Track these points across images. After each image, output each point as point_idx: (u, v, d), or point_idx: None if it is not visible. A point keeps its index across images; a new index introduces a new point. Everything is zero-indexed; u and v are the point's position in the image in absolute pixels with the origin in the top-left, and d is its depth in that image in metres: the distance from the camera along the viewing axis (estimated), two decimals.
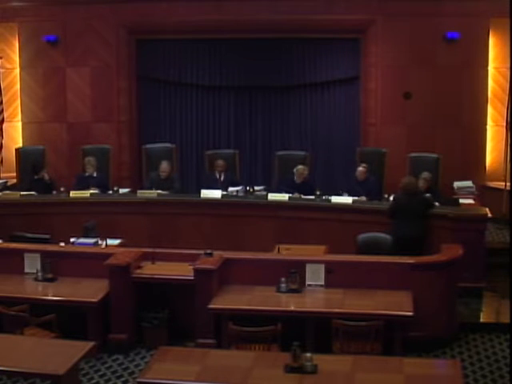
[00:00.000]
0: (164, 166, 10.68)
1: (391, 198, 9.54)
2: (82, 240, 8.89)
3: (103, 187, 10.63)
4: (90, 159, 10.88)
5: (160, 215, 10.04)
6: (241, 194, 10.20)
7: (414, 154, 10.94)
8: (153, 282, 7.92)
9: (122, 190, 10.60)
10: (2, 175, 11.97)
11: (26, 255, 8.23)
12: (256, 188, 10.39)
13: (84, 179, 10.75)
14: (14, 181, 11.65)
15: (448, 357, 7.62)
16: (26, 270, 8.21)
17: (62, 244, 8.68)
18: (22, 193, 10.46)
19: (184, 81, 12.56)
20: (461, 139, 11.62)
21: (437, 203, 9.58)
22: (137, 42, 12.36)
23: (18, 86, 12.46)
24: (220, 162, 10.78)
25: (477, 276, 8.86)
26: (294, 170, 10.40)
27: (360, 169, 10.38)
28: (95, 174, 10.81)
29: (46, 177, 10.74)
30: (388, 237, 8.59)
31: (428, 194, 9.52)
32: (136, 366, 7.55)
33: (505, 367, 7.29)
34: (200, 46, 12.38)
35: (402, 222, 8.97)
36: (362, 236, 8.69)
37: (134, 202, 10.18)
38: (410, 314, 7.12)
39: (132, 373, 7.40)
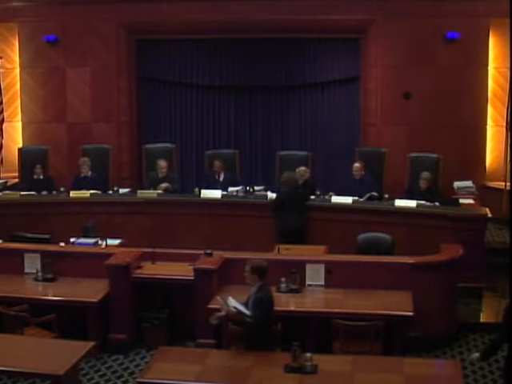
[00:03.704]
0: (161, 163, 10.68)
1: (274, 195, 9.87)
2: (81, 240, 8.88)
3: (98, 187, 10.58)
4: (85, 159, 10.87)
5: (160, 215, 10.04)
6: (241, 194, 10.20)
7: (413, 154, 10.93)
8: (153, 282, 7.92)
9: (121, 190, 10.59)
10: (2, 175, 11.98)
11: (26, 255, 8.23)
12: (256, 188, 10.38)
13: (80, 180, 10.74)
14: (15, 181, 11.65)
15: (448, 357, 7.62)
16: (26, 270, 8.21)
17: (62, 244, 8.69)
18: (21, 193, 10.46)
19: (184, 81, 12.56)
20: (461, 139, 11.61)
21: (437, 203, 9.60)
22: (137, 42, 12.36)
23: (17, 86, 12.46)
24: (217, 163, 10.76)
25: (477, 276, 8.86)
26: (296, 171, 10.37)
27: (356, 165, 10.32)
28: (89, 174, 10.81)
29: (39, 172, 10.71)
30: (388, 237, 8.58)
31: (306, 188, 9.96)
32: (136, 366, 7.56)
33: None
34: (200, 46, 12.38)
35: (285, 214, 9.49)
36: (362, 236, 8.69)
37: (134, 202, 10.18)
38: (410, 314, 7.12)
39: (132, 373, 7.41)
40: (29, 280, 8.12)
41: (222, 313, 6.45)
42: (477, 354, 6.21)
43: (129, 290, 7.86)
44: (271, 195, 10.07)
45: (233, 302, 6.38)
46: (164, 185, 10.54)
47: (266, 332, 6.41)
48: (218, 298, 6.56)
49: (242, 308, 6.35)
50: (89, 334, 7.53)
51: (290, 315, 7.34)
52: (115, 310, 7.80)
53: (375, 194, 9.96)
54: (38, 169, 10.77)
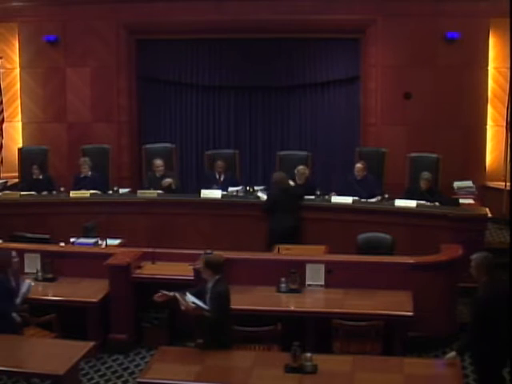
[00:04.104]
0: (157, 162, 10.68)
1: (265, 196, 9.86)
2: (82, 240, 8.89)
3: (98, 187, 10.57)
4: (85, 159, 10.86)
5: (160, 215, 10.03)
6: (241, 194, 10.20)
7: (413, 154, 10.93)
8: (153, 282, 7.92)
9: (121, 190, 10.59)
10: (2, 175, 11.98)
11: (26, 255, 8.23)
12: (256, 188, 10.38)
13: (79, 180, 10.74)
14: (15, 181, 11.65)
15: None
16: (26, 270, 8.21)
17: (62, 244, 8.69)
18: (21, 193, 10.46)
19: (184, 81, 12.56)
20: (461, 139, 11.62)
21: (437, 203, 9.60)
22: (137, 42, 12.36)
23: (17, 86, 12.46)
24: (220, 163, 10.76)
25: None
26: (295, 170, 10.38)
27: (358, 165, 10.33)
28: (89, 174, 10.80)
29: (36, 172, 10.72)
30: (388, 236, 8.59)
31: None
32: (136, 365, 7.56)
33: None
34: (200, 46, 12.38)
35: (278, 215, 9.47)
36: (362, 236, 8.68)
37: (134, 202, 10.18)
38: (410, 314, 7.12)
39: (132, 373, 7.41)
40: (29, 280, 8.11)
41: (182, 307, 6.44)
42: (453, 353, 6.18)
43: (129, 290, 7.86)
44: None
45: (191, 298, 6.40)
46: (167, 180, 10.51)
47: (226, 326, 6.43)
48: (177, 294, 6.55)
49: (200, 303, 6.38)
50: (89, 334, 7.53)
51: (290, 315, 7.35)
52: (115, 310, 7.80)
53: (378, 193, 9.98)
54: (35, 169, 10.76)
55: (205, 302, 6.41)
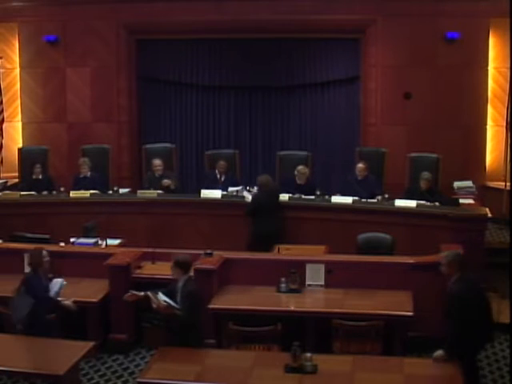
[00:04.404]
0: (156, 162, 10.68)
1: (251, 197, 9.79)
2: (82, 240, 8.89)
3: (98, 187, 10.57)
4: (85, 160, 10.86)
5: (160, 215, 10.03)
6: (241, 194, 10.20)
7: (413, 154, 10.93)
8: (153, 282, 7.90)
9: (121, 190, 10.59)
10: (2, 175, 11.98)
11: (26, 255, 8.22)
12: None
13: (79, 180, 10.73)
14: (15, 181, 11.65)
15: None
16: (26, 270, 8.19)
17: (62, 244, 8.69)
18: (21, 193, 10.45)
19: (184, 81, 12.57)
20: (461, 139, 11.62)
21: (437, 203, 9.60)
22: (137, 42, 12.37)
23: (17, 86, 12.47)
24: (222, 163, 10.75)
25: (477, 276, 8.84)
26: (296, 170, 10.37)
27: (360, 165, 10.33)
28: (89, 174, 10.80)
29: (38, 171, 10.71)
30: (388, 236, 8.59)
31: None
32: (136, 365, 7.56)
33: (505, 367, 7.30)
34: (200, 46, 12.38)
35: (263, 218, 9.40)
36: (362, 236, 8.69)
37: (134, 202, 10.18)
38: (410, 314, 7.12)
39: (132, 373, 7.41)
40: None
41: (153, 305, 6.55)
42: (440, 351, 6.18)
43: (129, 290, 7.84)
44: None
45: (163, 297, 6.49)
46: (166, 181, 10.51)
47: (196, 325, 6.48)
48: (149, 293, 6.63)
49: (171, 302, 6.45)
50: (89, 334, 7.53)
51: (290, 315, 7.34)
52: (115, 310, 7.80)
53: (378, 193, 9.99)
54: (38, 168, 10.77)
55: (176, 302, 6.50)
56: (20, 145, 12.29)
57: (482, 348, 6.71)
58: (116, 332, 7.84)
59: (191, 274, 6.71)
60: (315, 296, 7.68)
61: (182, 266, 6.63)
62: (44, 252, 7.07)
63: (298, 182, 10.31)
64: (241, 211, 9.92)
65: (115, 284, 7.80)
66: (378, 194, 9.96)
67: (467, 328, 6.10)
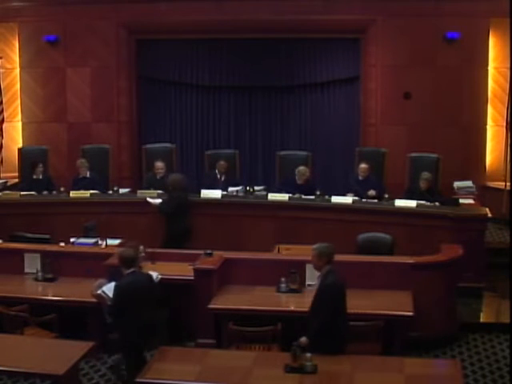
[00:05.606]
0: (158, 164, 10.67)
1: (155, 200, 9.81)
2: (82, 240, 8.88)
3: (98, 187, 10.56)
4: (83, 161, 10.86)
5: (160, 215, 10.02)
6: (241, 194, 10.20)
7: (414, 154, 10.93)
8: None
9: (121, 190, 10.58)
10: (2, 175, 11.98)
11: (26, 255, 8.23)
12: (256, 188, 10.37)
13: (78, 181, 10.73)
14: (15, 181, 11.65)
15: (448, 357, 7.62)
16: (26, 269, 8.21)
17: (62, 244, 8.68)
18: (21, 193, 10.45)
19: (184, 81, 12.57)
20: (461, 139, 11.62)
21: (437, 203, 9.60)
22: (137, 42, 12.37)
23: (17, 86, 12.47)
24: (223, 163, 10.74)
25: (477, 276, 8.85)
26: (296, 171, 10.37)
27: (363, 165, 10.33)
28: (88, 175, 10.80)
29: (40, 171, 10.72)
30: (388, 236, 8.58)
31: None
32: None
33: (505, 367, 7.29)
34: (200, 46, 12.39)
35: (180, 216, 9.53)
36: (362, 236, 8.69)
37: (134, 202, 10.17)
38: (410, 314, 7.12)
39: None
40: (29, 280, 8.12)
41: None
42: (304, 338, 6.14)
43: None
44: (271, 195, 10.00)
45: (105, 287, 6.64)
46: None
47: (123, 317, 6.47)
48: (100, 279, 6.86)
49: (109, 294, 6.56)
50: (89, 334, 7.52)
51: (290, 315, 7.34)
52: None
53: (374, 192, 9.98)
54: (40, 168, 10.77)
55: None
56: (20, 145, 12.29)
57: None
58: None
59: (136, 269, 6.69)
60: None
61: (122, 260, 6.59)
62: (141, 247, 7.21)
63: (298, 182, 10.31)
64: (241, 211, 9.94)
65: None
66: (383, 194, 9.95)
67: (335, 318, 6.20)
